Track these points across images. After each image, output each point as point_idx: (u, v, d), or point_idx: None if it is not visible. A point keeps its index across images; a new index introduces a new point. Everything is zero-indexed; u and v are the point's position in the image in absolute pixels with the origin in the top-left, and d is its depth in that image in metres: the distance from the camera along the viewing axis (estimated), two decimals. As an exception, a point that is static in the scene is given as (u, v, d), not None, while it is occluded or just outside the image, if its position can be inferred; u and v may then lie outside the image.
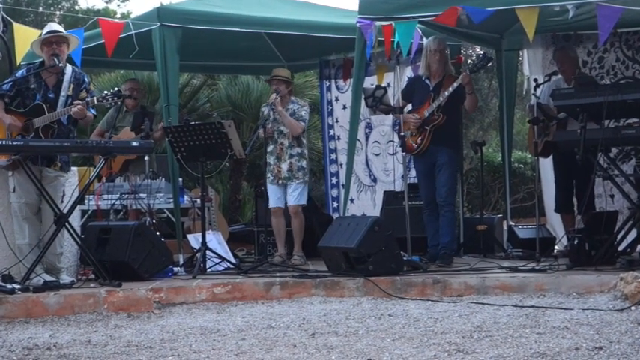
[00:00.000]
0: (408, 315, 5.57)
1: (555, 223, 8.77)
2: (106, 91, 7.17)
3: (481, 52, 7.08)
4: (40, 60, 7.06)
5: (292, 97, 8.45)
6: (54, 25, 7.13)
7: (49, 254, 6.80)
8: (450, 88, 7.51)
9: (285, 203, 8.28)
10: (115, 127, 8.84)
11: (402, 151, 7.96)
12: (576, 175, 7.78)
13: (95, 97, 6.96)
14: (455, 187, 7.83)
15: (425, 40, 7.91)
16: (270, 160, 8.27)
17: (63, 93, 6.93)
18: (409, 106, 7.95)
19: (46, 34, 6.95)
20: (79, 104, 6.76)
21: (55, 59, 6.78)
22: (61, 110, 6.84)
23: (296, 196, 8.20)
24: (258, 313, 5.95)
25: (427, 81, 7.78)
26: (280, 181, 8.22)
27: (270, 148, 8.29)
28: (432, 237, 7.78)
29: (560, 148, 7.66)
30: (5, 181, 6.97)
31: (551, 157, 8.24)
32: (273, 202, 8.26)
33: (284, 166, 8.21)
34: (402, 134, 7.82)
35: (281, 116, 8.18)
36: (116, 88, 7.24)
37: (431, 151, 7.65)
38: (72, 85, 6.97)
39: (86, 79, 7.14)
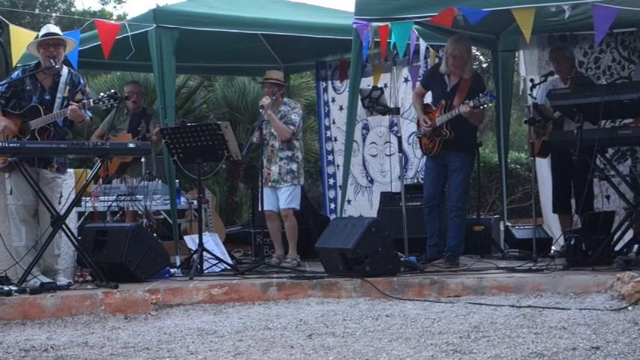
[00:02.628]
0: (405, 316, 5.56)
1: (552, 223, 8.77)
2: (102, 93, 7.15)
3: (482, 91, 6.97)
4: (36, 61, 7.05)
5: (285, 99, 8.35)
6: (51, 27, 7.11)
7: (47, 256, 6.80)
8: (458, 110, 7.35)
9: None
10: (116, 128, 8.84)
11: (399, 152, 7.95)
12: (574, 175, 7.78)
13: (91, 100, 6.94)
14: (467, 192, 7.73)
15: (421, 41, 7.89)
16: (264, 162, 8.22)
17: (59, 95, 6.91)
18: (428, 95, 7.86)
19: (43, 35, 6.91)
20: (73, 106, 6.74)
21: (52, 61, 6.77)
22: (57, 112, 6.82)
23: (286, 198, 8.10)
24: (255, 314, 5.94)
25: (446, 78, 7.62)
26: (271, 184, 8.15)
27: (264, 150, 8.26)
28: (430, 236, 7.73)
29: (556, 149, 7.66)
30: (2, 183, 6.95)
31: (548, 157, 8.24)
32: (266, 205, 8.15)
33: (274, 169, 8.14)
34: (417, 131, 7.79)
35: (270, 120, 8.09)
36: (112, 90, 7.22)
37: (442, 154, 7.57)
38: (68, 87, 6.95)
39: (82, 80, 7.12)
